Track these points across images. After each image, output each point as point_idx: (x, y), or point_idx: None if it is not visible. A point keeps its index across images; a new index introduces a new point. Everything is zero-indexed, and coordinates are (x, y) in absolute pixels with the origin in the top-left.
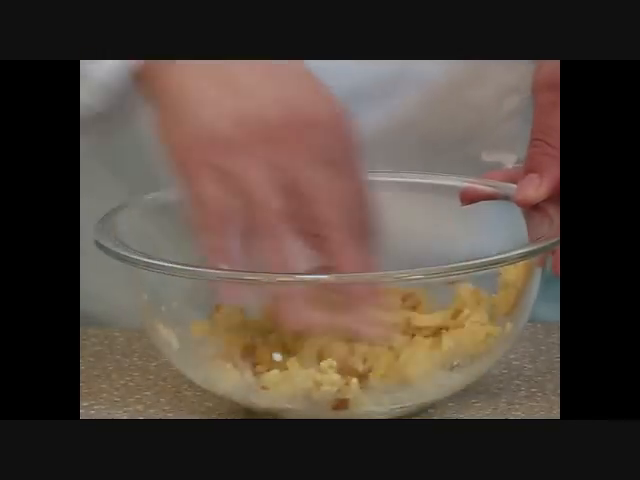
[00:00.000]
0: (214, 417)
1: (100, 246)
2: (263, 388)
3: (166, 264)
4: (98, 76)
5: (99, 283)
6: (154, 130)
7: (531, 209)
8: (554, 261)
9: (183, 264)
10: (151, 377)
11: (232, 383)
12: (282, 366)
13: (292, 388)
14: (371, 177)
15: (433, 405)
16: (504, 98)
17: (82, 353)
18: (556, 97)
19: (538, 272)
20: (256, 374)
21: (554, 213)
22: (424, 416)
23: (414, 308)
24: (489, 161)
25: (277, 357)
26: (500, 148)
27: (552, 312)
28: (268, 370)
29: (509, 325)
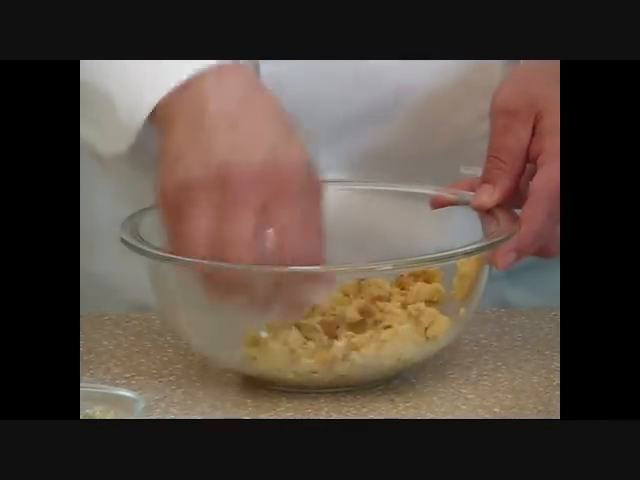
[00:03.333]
0: (234, 386)
1: (124, 242)
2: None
3: (179, 257)
4: (125, 118)
5: (137, 273)
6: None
7: (484, 213)
8: (495, 257)
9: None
10: (182, 353)
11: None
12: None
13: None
14: (355, 186)
15: (415, 376)
16: (479, 122)
17: (124, 333)
18: (508, 121)
19: (486, 266)
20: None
21: (501, 216)
22: (406, 385)
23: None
24: (466, 174)
25: (263, 334)
26: (475, 163)
27: (524, 298)
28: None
29: (463, 310)
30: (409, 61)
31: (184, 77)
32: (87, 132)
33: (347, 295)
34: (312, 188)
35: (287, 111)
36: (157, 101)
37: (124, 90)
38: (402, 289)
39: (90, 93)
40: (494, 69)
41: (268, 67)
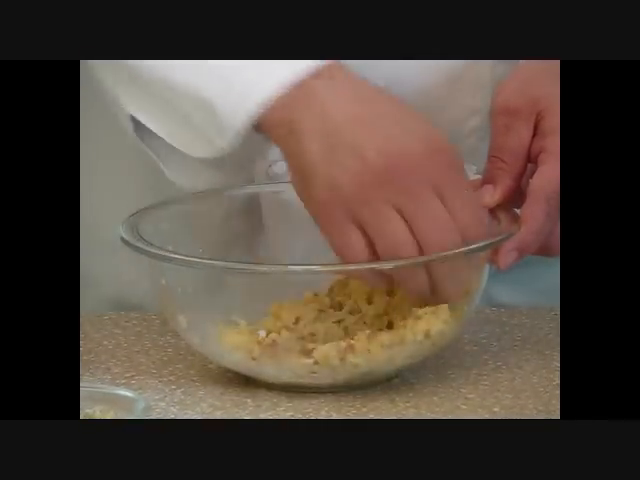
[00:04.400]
0: (234, 386)
1: (124, 241)
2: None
3: (180, 257)
4: (231, 124)
5: (134, 273)
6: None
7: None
8: (497, 256)
9: (194, 257)
10: (182, 352)
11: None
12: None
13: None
14: None
15: (415, 376)
16: (467, 119)
17: (124, 333)
18: (509, 121)
19: (487, 266)
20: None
21: (502, 216)
22: (406, 385)
23: None
24: None
25: (262, 333)
26: (465, 159)
27: (514, 297)
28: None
29: (465, 307)
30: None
31: (293, 80)
32: (173, 134)
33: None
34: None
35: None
36: (265, 103)
37: (226, 94)
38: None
39: (180, 97)
40: (485, 65)
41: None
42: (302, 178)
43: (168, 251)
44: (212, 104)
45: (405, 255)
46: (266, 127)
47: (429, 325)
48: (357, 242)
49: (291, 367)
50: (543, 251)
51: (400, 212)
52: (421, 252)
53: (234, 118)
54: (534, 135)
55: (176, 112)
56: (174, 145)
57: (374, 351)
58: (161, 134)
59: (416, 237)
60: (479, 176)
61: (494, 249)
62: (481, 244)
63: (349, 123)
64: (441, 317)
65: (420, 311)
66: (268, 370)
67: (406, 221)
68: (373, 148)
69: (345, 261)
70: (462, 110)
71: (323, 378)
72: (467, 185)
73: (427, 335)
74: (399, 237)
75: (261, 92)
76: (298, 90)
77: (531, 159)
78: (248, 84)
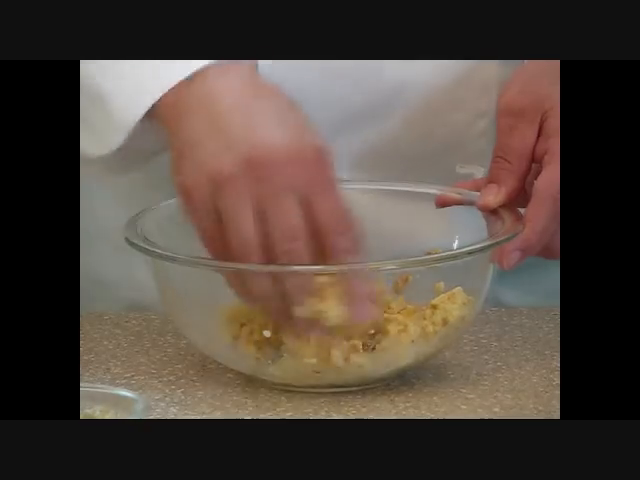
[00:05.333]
0: (234, 386)
1: (128, 241)
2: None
3: (184, 257)
4: (117, 115)
5: (147, 275)
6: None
7: (489, 212)
8: (499, 255)
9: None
10: (182, 353)
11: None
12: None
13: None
14: (362, 185)
15: (415, 376)
16: (475, 121)
17: (124, 333)
18: (514, 122)
19: (492, 266)
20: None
21: (506, 216)
22: (406, 385)
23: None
24: (462, 173)
25: (267, 333)
26: (471, 162)
27: (516, 298)
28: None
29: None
30: (406, 60)
31: (187, 74)
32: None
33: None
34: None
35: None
36: (157, 98)
37: (119, 90)
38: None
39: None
40: (491, 67)
41: (267, 67)
42: (177, 156)
43: (171, 251)
44: (104, 96)
45: (248, 255)
46: (157, 120)
47: (446, 313)
48: (210, 226)
49: (295, 367)
50: (545, 253)
51: (256, 209)
52: (266, 257)
53: (126, 112)
54: (538, 136)
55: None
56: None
57: (402, 347)
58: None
59: (263, 239)
60: (484, 177)
61: (498, 249)
62: (484, 244)
63: (227, 110)
64: (458, 302)
65: (436, 300)
66: (272, 370)
67: (260, 221)
68: (243, 137)
69: (207, 248)
70: (470, 112)
71: (327, 378)
72: (334, 187)
73: (446, 322)
74: (246, 238)
75: (154, 86)
76: (190, 80)
77: (535, 159)
78: (142, 79)
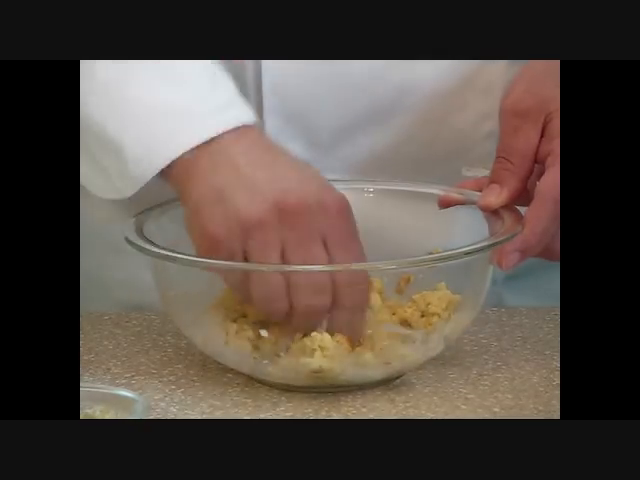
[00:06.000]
0: (234, 386)
1: (128, 241)
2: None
3: (184, 256)
4: (134, 172)
5: (149, 276)
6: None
7: (490, 213)
8: (499, 256)
9: (199, 257)
10: (182, 353)
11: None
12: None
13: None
14: (364, 185)
15: (415, 376)
16: (481, 123)
17: (124, 333)
18: (518, 122)
19: (491, 267)
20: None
21: (507, 217)
22: (406, 385)
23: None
24: (468, 175)
25: (263, 333)
26: (477, 165)
27: (521, 300)
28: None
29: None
30: (411, 62)
31: (204, 137)
32: (86, 170)
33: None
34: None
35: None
36: (174, 158)
37: (137, 141)
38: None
39: (97, 133)
40: (497, 69)
41: (271, 68)
42: (195, 213)
43: (171, 251)
44: (120, 150)
45: (274, 301)
46: (170, 177)
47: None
48: (238, 274)
49: (293, 367)
50: (546, 254)
51: (284, 254)
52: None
53: (141, 168)
54: (542, 137)
55: (83, 147)
56: (82, 183)
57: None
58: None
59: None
60: (488, 172)
61: (497, 250)
62: (483, 244)
63: (249, 165)
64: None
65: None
66: (270, 370)
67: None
68: (269, 187)
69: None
70: (475, 114)
71: (327, 379)
72: (356, 238)
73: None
74: (273, 283)
75: (169, 149)
76: (205, 144)
77: (538, 161)
78: (159, 137)
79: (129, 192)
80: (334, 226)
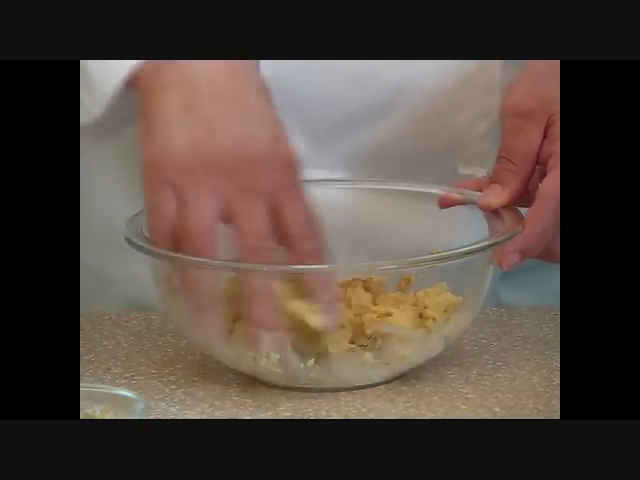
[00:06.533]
0: (234, 386)
1: (128, 240)
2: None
3: (182, 256)
4: (97, 85)
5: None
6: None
7: (490, 213)
8: (499, 256)
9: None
10: (182, 353)
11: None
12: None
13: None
14: (363, 185)
15: (415, 376)
16: (478, 122)
17: (124, 333)
18: (520, 123)
19: (490, 267)
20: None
21: (507, 217)
22: (406, 385)
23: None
24: (464, 173)
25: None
26: (473, 163)
27: (520, 300)
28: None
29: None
30: (409, 60)
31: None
32: None
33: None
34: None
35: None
36: (136, 66)
37: (101, 63)
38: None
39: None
40: (494, 68)
41: (269, 66)
42: (146, 127)
43: (170, 250)
44: (85, 64)
45: (202, 237)
46: (134, 89)
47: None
48: (166, 207)
49: (293, 369)
50: (546, 255)
51: (222, 205)
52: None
53: (106, 80)
54: (544, 138)
55: None
56: None
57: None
58: None
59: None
60: (485, 170)
61: (498, 250)
62: (483, 244)
63: (213, 97)
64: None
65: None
66: (270, 369)
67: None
68: (223, 128)
69: (148, 222)
70: (473, 114)
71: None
72: (302, 193)
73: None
74: (203, 218)
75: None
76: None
77: (540, 162)
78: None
79: (97, 112)
80: (278, 180)
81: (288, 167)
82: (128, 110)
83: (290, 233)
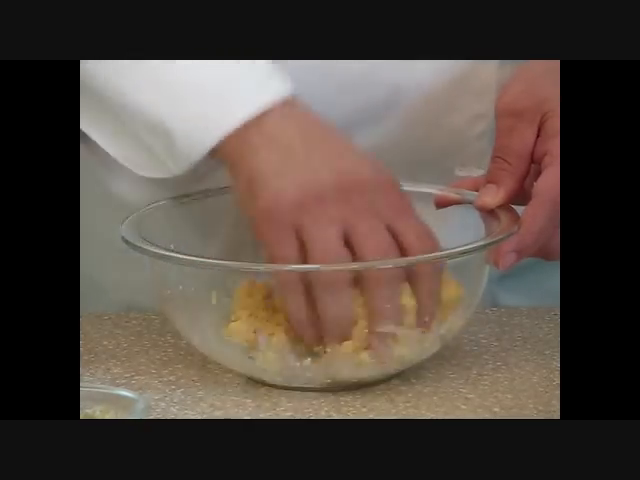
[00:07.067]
0: (234, 386)
1: (125, 241)
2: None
3: (181, 256)
4: (185, 152)
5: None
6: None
7: (487, 212)
8: (495, 256)
9: (195, 256)
10: (182, 352)
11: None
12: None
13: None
14: None
15: (415, 376)
16: (474, 123)
17: (124, 333)
18: (514, 122)
19: (487, 267)
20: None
21: (503, 216)
22: (406, 385)
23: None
24: (461, 175)
25: (262, 339)
26: (469, 164)
27: (516, 301)
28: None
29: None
30: (405, 61)
31: (253, 113)
32: (129, 153)
33: None
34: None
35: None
36: (223, 137)
37: (186, 121)
38: None
39: (133, 116)
40: (490, 69)
41: None
42: (249, 187)
43: (168, 250)
44: (169, 131)
45: (333, 260)
46: (220, 154)
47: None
48: (291, 251)
49: (290, 368)
50: (543, 254)
51: (343, 230)
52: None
53: (191, 148)
54: (538, 136)
55: (127, 130)
56: (123, 163)
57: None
58: (110, 151)
59: (354, 251)
60: (482, 171)
61: (494, 250)
62: (479, 243)
63: (302, 143)
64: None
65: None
66: (268, 369)
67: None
68: (325, 165)
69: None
70: (469, 114)
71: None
72: (414, 211)
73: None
74: (331, 243)
75: (218, 128)
76: (253, 123)
77: (535, 160)
78: (207, 117)
79: (178, 171)
80: (392, 202)
81: (394, 188)
82: (202, 172)
83: (410, 244)
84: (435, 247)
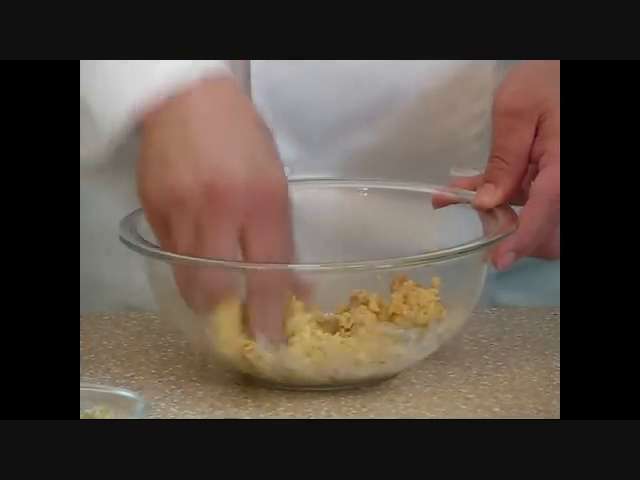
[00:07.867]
0: (234, 386)
1: (122, 240)
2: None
3: (178, 255)
4: (103, 128)
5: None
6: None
7: (485, 212)
8: (494, 256)
9: (192, 256)
10: (182, 353)
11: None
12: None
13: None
14: (364, 185)
15: (415, 376)
16: (470, 124)
17: (124, 333)
18: (511, 122)
19: (485, 266)
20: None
21: (501, 216)
22: (406, 385)
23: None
24: (457, 176)
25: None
26: (466, 165)
27: (514, 299)
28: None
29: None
30: (403, 62)
31: (168, 90)
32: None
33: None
34: (289, 212)
35: (269, 126)
36: (137, 105)
37: (102, 96)
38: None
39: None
40: (487, 69)
41: (263, 68)
42: (142, 164)
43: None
44: (88, 106)
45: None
46: (137, 128)
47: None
48: (162, 233)
49: (288, 367)
50: (542, 253)
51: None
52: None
53: (105, 120)
54: (535, 136)
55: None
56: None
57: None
58: None
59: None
60: (477, 172)
61: (492, 249)
62: (477, 243)
63: (199, 129)
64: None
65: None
66: (265, 369)
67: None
68: (206, 163)
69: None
70: (466, 115)
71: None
72: (280, 226)
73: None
74: (184, 239)
75: (133, 98)
76: (168, 101)
77: (532, 160)
78: (125, 90)
79: (99, 146)
80: (255, 214)
81: (267, 197)
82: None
83: (253, 253)
84: (285, 259)
